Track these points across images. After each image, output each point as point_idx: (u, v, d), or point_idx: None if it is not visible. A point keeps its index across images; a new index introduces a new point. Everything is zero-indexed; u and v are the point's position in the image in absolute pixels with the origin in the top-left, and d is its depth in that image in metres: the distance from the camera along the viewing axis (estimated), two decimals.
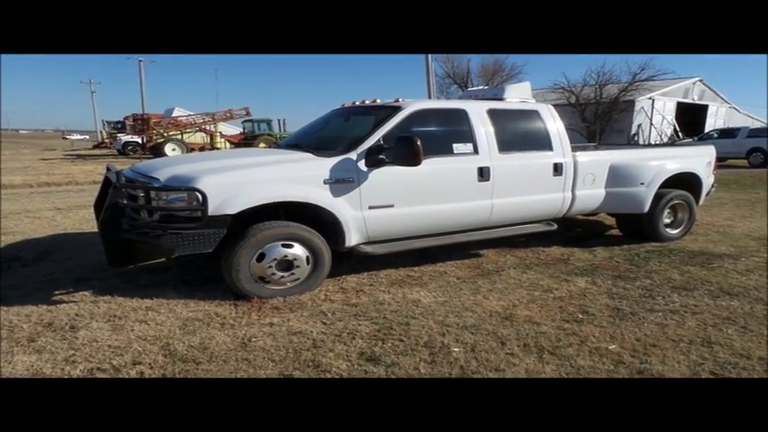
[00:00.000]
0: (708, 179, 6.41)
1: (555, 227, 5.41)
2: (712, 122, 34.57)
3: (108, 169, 4.54)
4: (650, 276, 4.61)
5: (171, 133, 29.35)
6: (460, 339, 3.27)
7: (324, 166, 4.12)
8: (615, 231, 6.44)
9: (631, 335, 3.34)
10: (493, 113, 4.97)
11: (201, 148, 29.39)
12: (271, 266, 3.95)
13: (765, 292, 4.17)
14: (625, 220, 6.16)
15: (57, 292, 4.17)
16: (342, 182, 4.12)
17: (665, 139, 30.41)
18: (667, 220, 6.06)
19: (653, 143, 27.17)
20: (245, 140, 28.95)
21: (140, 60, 40.80)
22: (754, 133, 21.05)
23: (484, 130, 4.83)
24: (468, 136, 4.76)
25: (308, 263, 4.08)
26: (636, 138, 30.11)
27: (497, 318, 3.65)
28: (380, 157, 4.19)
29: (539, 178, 5.16)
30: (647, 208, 5.72)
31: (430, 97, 23.56)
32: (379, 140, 4.28)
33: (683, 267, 4.89)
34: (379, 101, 5.26)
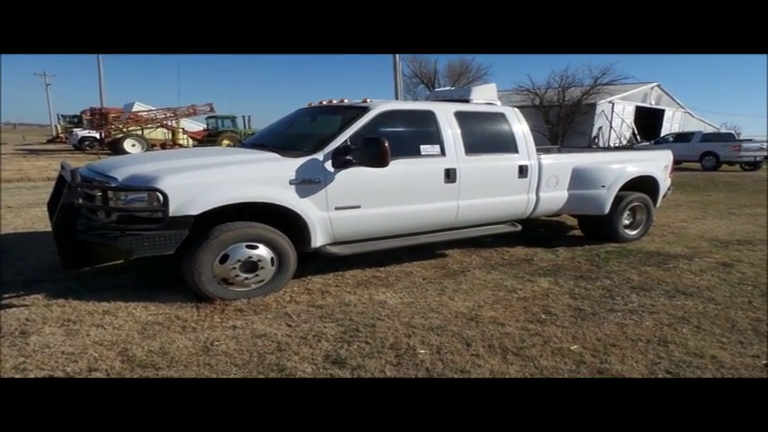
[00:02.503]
0: (665, 182, 6.64)
1: (519, 228, 5.50)
2: (668, 126, 35.91)
3: (62, 167, 4.35)
4: (610, 277, 4.74)
5: (130, 129, 28.48)
6: (426, 341, 3.28)
7: (290, 166, 4.07)
8: (577, 232, 6.60)
9: (592, 335, 3.42)
10: (460, 115, 5.01)
11: (163, 145, 28.68)
12: (234, 268, 3.86)
13: (717, 292, 4.34)
14: (587, 221, 6.32)
15: (6, 296, 3.98)
16: (308, 182, 4.08)
17: (624, 142, 31.38)
18: (626, 222, 6.25)
19: (614, 146, 27.97)
20: (209, 137, 28.33)
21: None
22: (707, 138, 22.01)
23: (451, 131, 4.86)
24: (435, 138, 4.79)
25: (272, 264, 4.02)
26: (596, 140, 30.98)
27: (463, 319, 3.67)
28: (347, 157, 4.17)
29: (504, 180, 5.23)
30: (607, 210, 5.89)
31: (397, 97, 23.61)
32: (346, 141, 4.25)
33: (640, 268, 5.04)
34: (346, 101, 5.21)
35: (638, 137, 32.65)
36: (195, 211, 3.66)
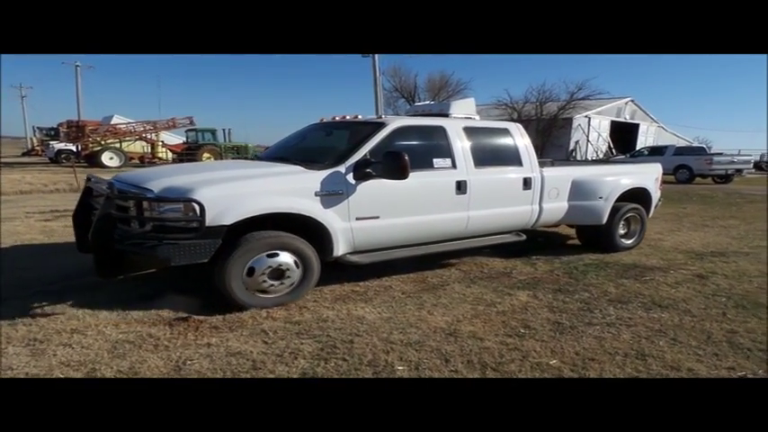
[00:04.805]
0: (656, 193, 6.95)
1: (524, 237, 5.73)
2: (643, 140, 36.72)
3: (89, 179, 4.63)
4: (588, 290, 4.76)
5: (108, 141, 28.12)
6: (405, 357, 3.24)
7: (315, 178, 4.24)
8: (552, 244, 6.63)
9: (571, 349, 3.42)
10: (468, 130, 5.25)
11: (141, 158, 28.34)
12: (263, 275, 4.00)
13: (692, 304, 4.39)
14: (585, 231, 6.59)
15: None
16: (332, 194, 4.26)
17: (601, 155, 31.96)
18: (622, 231, 6.50)
19: (593, 159, 28.42)
20: (189, 150, 28.04)
21: (77, 65, 38.97)
22: (680, 151, 22.55)
23: (461, 145, 5.10)
24: (446, 151, 5.02)
25: (298, 272, 4.16)
26: (573, 153, 31.50)
27: (442, 334, 3.64)
28: (368, 170, 4.37)
29: (510, 192, 5.48)
30: (605, 220, 6.16)
31: (377, 110, 23.77)
32: (366, 155, 4.47)
33: (618, 280, 5.09)
34: (360, 117, 5.44)
35: (613, 150, 33.30)
36: (229, 220, 3.81)
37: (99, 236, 3.75)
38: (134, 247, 3.80)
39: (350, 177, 4.35)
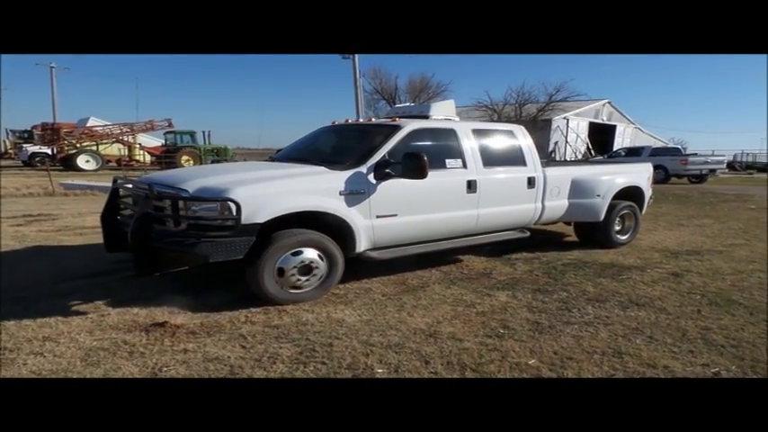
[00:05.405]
0: (648, 192, 7.28)
1: (528, 234, 6.00)
2: (620, 141, 37.33)
3: (115, 181, 4.88)
4: (566, 289, 4.81)
5: (84, 144, 27.60)
6: (384, 359, 3.22)
7: (339, 178, 4.43)
8: (532, 244, 6.68)
9: (549, 348, 3.44)
10: (476, 132, 5.53)
11: (118, 161, 27.87)
12: (294, 267, 4.18)
13: (668, 302, 4.46)
14: (583, 228, 6.91)
15: None
16: (355, 193, 4.47)
17: (580, 156, 32.39)
18: (617, 228, 6.80)
19: (583, 159, 28.77)
20: (168, 153, 27.63)
21: (52, 66, 38.23)
22: (656, 152, 22.95)
23: (470, 146, 5.36)
24: (457, 152, 5.27)
25: (324, 267, 4.36)
26: (553, 154, 31.87)
27: (422, 335, 3.64)
28: (387, 170, 4.58)
29: (516, 190, 5.74)
30: (602, 217, 6.47)
31: (357, 113, 23.73)
32: (385, 156, 4.68)
33: (596, 279, 5.15)
34: (373, 119, 5.81)
35: (592, 151, 33.76)
36: (262, 219, 3.98)
37: (138, 235, 3.86)
38: (173, 245, 3.91)
39: (371, 177, 4.56)
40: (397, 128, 5.02)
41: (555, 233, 7.74)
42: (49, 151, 27.55)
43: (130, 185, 4.77)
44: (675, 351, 3.42)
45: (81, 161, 25.88)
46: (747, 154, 43.71)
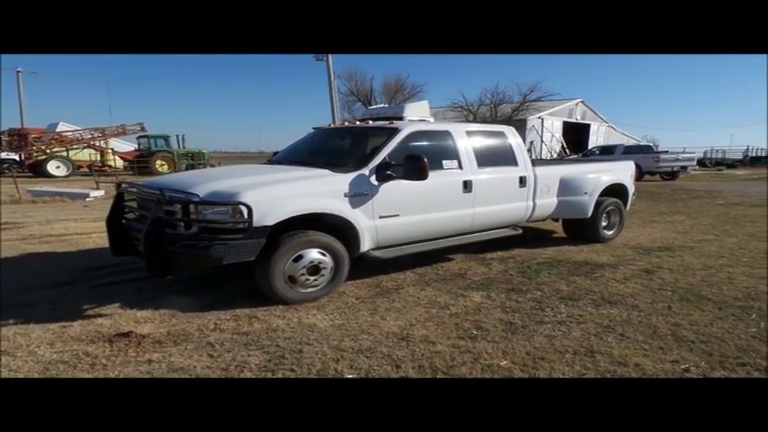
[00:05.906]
0: (631, 188, 7.56)
1: (520, 231, 6.23)
2: (594, 140, 37.91)
3: (119, 185, 4.97)
4: (540, 288, 4.81)
5: (54, 150, 26.88)
6: (355, 365, 3.16)
7: (343, 180, 4.54)
8: (506, 243, 6.69)
9: (522, 349, 3.42)
10: (470, 133, 5.67)
11: (90, 166, 27.21)
12: (303, 271, 4.27)
13: (639, 299, 4.50)
14: (571, 224, 7.16)
15: None
16: (358, 195, 4.57)
17: (555, 155, 32.79)
18: (604, 223, 7.07)
19: (558, 158, 29.13)
20: (141, 157, 27.10)
21: (18, 70, 37.26)
22: (629, 150, 23.34)
23: (465, 147, 5.49)
24: (453, 153, 5.41)
25: (331, 268, 4.44)
26: (530, 154, 32.21)
27: (394, 339, 3.58)
28: (388, 172, 4.68)
29: (508, 189, 5.90)
30: (590, 213, 6.74)
31: (333, 114, 23.60)
32: (386, 158, 4.78)
33: (569, 278, 5.16)
34: (371, 122, 5.85)
35: (567, 150, 34.19)
36: (271, 221, 4.06)
37: (151, 238, 3.87)
38: (186, 248, 3.93)
39: (373, 179, 4.66)
40: (395, 130, 5.12)
41: (531, 230, 7.77)
42: (17, 158, 26.76)
43: (135, 189, 4.78)
44: (646, 348, 3.43)
45: (51, 167, 25.20)
46: (717, 150, 44.97)
